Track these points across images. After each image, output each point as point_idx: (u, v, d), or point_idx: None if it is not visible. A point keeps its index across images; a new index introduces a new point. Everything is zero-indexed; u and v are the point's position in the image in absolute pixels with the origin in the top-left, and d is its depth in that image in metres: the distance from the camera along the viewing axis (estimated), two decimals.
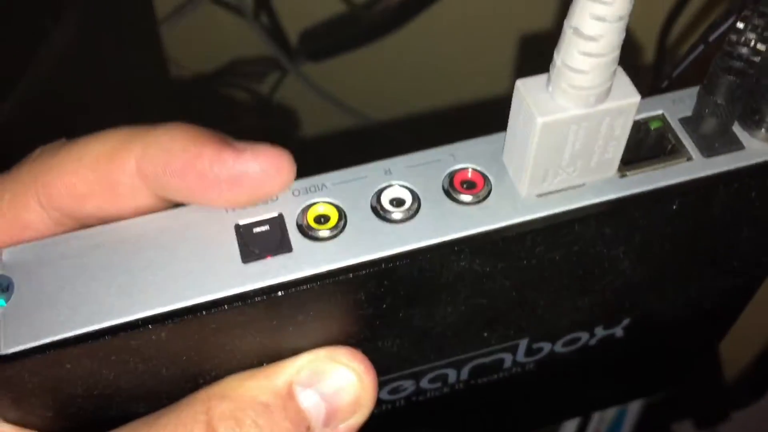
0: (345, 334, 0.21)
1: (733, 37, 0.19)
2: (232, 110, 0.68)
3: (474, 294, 0.22)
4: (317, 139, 0.70)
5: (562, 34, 0.18)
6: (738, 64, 0.19)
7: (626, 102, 0.19)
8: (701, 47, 0.24)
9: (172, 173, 0.20)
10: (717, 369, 0.53)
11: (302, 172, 0.21)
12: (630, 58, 0.18)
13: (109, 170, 0.20)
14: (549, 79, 0.18)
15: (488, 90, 0.63)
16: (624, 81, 0.19)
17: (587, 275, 0.23)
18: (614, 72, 0.18)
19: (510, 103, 0.20)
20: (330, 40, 0.64)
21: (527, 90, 0.19)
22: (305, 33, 0.65)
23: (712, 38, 0.23)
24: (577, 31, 0.17)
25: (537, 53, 0.58)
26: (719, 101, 0.20)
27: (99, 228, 0.21)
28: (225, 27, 0.64)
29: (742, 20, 0.19)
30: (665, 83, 0.24)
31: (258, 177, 0.20)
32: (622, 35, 0.17)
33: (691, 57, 0.23)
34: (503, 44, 0.60)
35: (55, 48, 0.46)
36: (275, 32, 0.64)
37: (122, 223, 0.21)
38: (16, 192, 0.21)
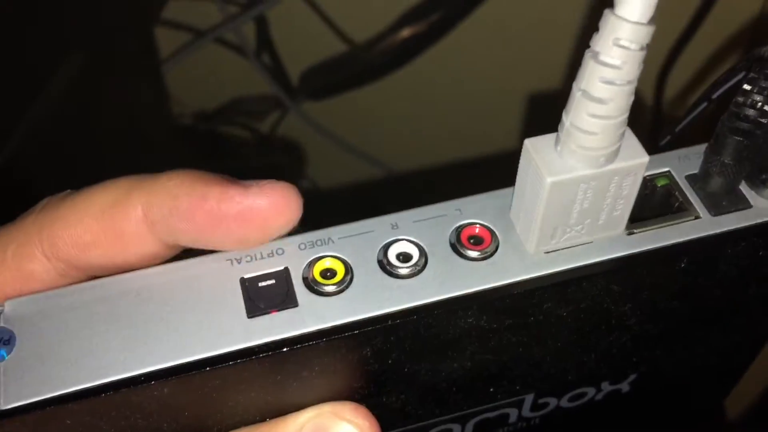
0: (349, 389, 0.21)
1: (740, 99, 0.19)
2: (233, 148, 0.68)
3: (480, 350, 0.22)
4: (318, 177, 0.71)
5: (571, 96, 0.18)
6: (745, 125, 0.20)
7: (635, 162, 0.19)
8: (704, 104, 0.24)
9: (180, 216, 0.20)
10: (720, 409, 0.53)
11: (303, 210, 0.21)
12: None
13: (115, 219, 0.20)
14: (558, 139, 0.18)
15: (491, 124, 0.63)
16: (632, 142, 0.19)
17: (594, 332, 0.23)
18: (623, 133, 0.18)
19: (516, 152, 0.20)
20: (331, 79, 0.64)
21: (536, 150, 0.19)
22: (306, 72, 0.65)
23: (715, 96, 0.23)
24: (586, 94, 0.17)
25: (541, 90, 0.59)
26: (726, 160, 0.20)
27: (102, 280, 0.20)
28: (227, 66, 0.64)
29: (748, 82, 0.19)
30: (667, 139, 0.25)
31: (266, 212, 0.20)
32: (631, 98, 0.17)
33: (695, 114, 0.23)
34: (506, 82, 0.60)
35: (59, 86, 0.46)
36: (277, 71, 0.65)
37: (126, 275, 0.20)
38: (21, 243, 0.21)
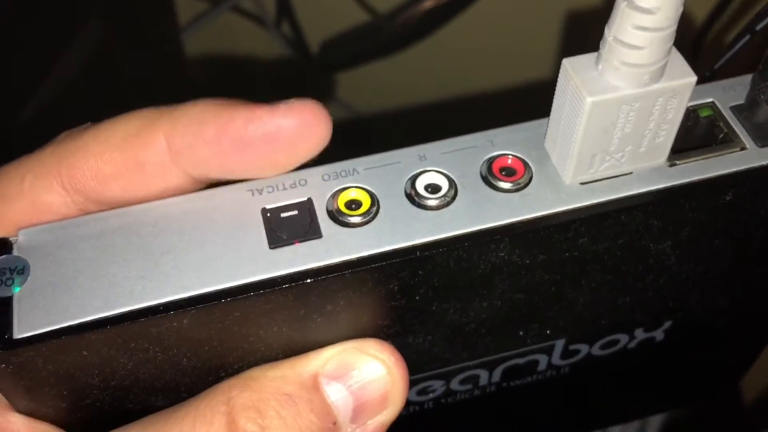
0: (374, 326, 0.20)
1: None
2: None
3: (511, 288, 0.21)
4: (336, 149, 0.70)
5: (615, 8, 0.17)
6: None
7: (682, 82, 0.18)
8: (747, 36, 0.23)
9: (206, 142, 0.19)
10: (737, 390, 0.52)
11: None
12: None
13: (137, 149, 0.20)
14: (599, 57, 0.18)
15: (521, 99, 0.62)
16: (679, 60, 0.18)
17: (631, 270, 0.22)
18: (669, 49, 0.17)
19: (544, 95, 0.19)
20: (351, 50, 0.63)
21: (575, 69, 0.18)
22: (326, 43, 0.64)
23: (759, 27, 0.22)
24: (631, 3, 0.16)
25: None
26: None
27: (119, 210, 0.20)
28: (246, 36, 0.64)
29: None
30: (708, 73, 0.23)
31: (294, 132, 0.19)
32: (681, 8, 0.16)
33: (738, 46, 0.22)
34: (533, 56, 0.59)
35: (76, 56, 0.46)
36: (296, 41, 0.64)
37: (144, 205, 0.20)
38: (39, 173, 0.20)
